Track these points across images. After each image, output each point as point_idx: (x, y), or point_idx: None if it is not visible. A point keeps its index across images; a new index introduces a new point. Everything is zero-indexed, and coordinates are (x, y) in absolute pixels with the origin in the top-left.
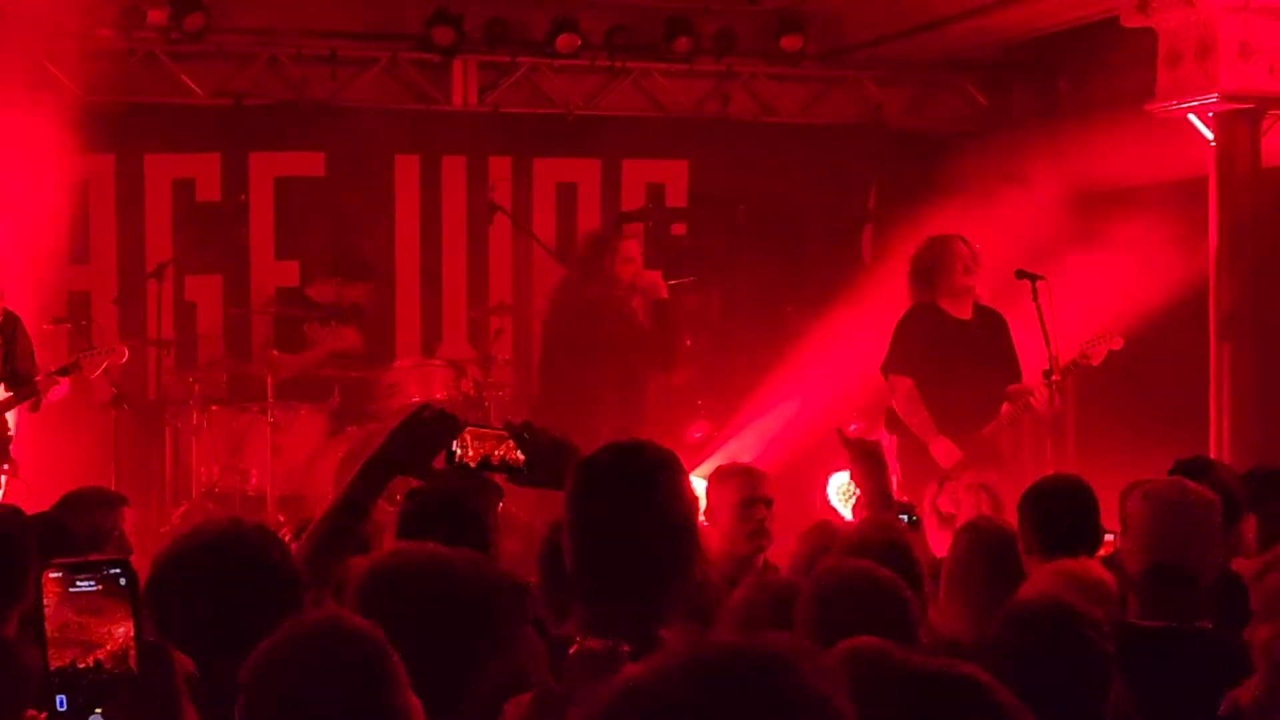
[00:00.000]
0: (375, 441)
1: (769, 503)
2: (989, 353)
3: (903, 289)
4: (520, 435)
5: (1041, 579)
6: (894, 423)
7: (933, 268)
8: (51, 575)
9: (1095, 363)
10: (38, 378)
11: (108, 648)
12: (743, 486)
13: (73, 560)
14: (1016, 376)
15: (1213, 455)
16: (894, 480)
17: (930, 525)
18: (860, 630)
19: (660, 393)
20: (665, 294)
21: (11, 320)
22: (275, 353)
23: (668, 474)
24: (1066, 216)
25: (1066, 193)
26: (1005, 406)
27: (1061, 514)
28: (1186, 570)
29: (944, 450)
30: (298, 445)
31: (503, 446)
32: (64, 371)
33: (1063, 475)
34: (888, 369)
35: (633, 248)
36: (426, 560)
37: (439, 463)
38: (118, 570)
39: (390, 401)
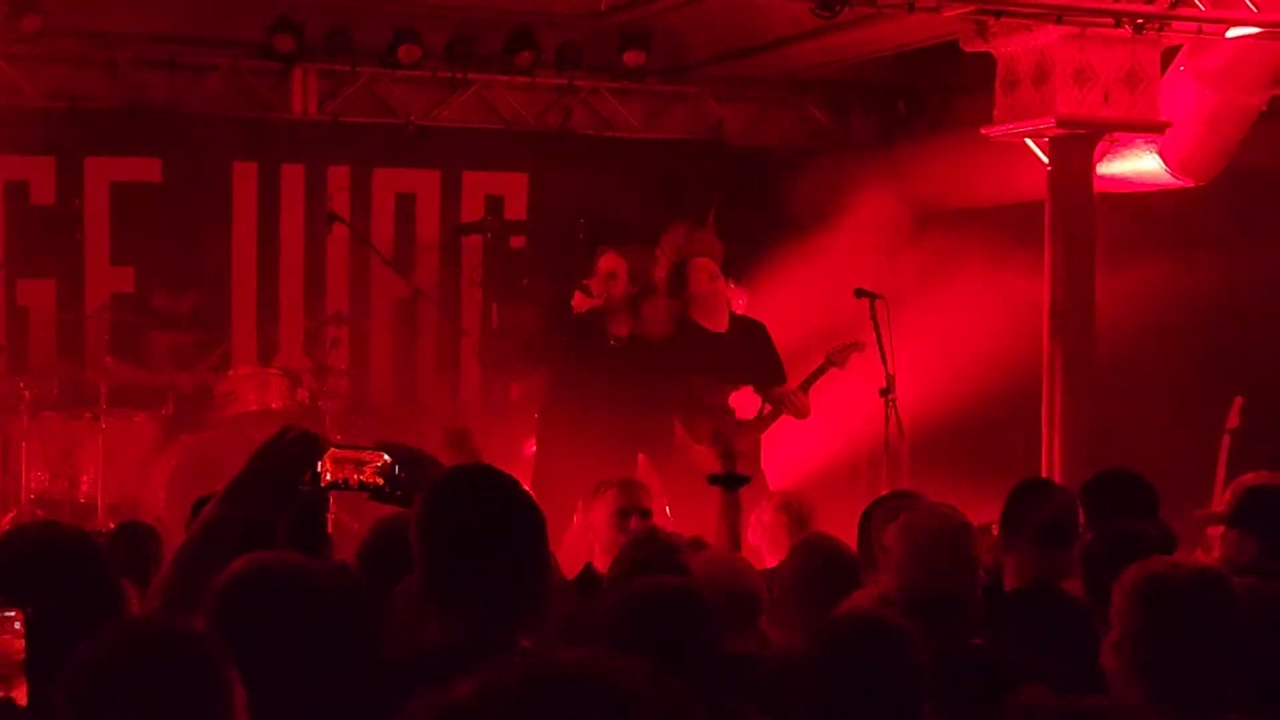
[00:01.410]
0: (213, 452)
1: (646, 513)
2: (745, 362)
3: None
4: (394, 452)
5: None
6: (719, 438)
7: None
8: None
9: (843, 367)
10: None
11: None
12: (619, 498)
13: None
14: (778, 379)
15: (1045, 475)
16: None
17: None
18: None
19: (497, 407)
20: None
21: None
22: (109, 359)
23: (520, 487)
24: (905, 237)
25: (905, 213)
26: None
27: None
28: (957, 597)
29: (703, 454)
30: (130, 453)
31: (364, 470)
32: None
33: (904, 493)
34: None
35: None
36: (286, 569)
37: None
38: (11, 614)
39: (226, 410)
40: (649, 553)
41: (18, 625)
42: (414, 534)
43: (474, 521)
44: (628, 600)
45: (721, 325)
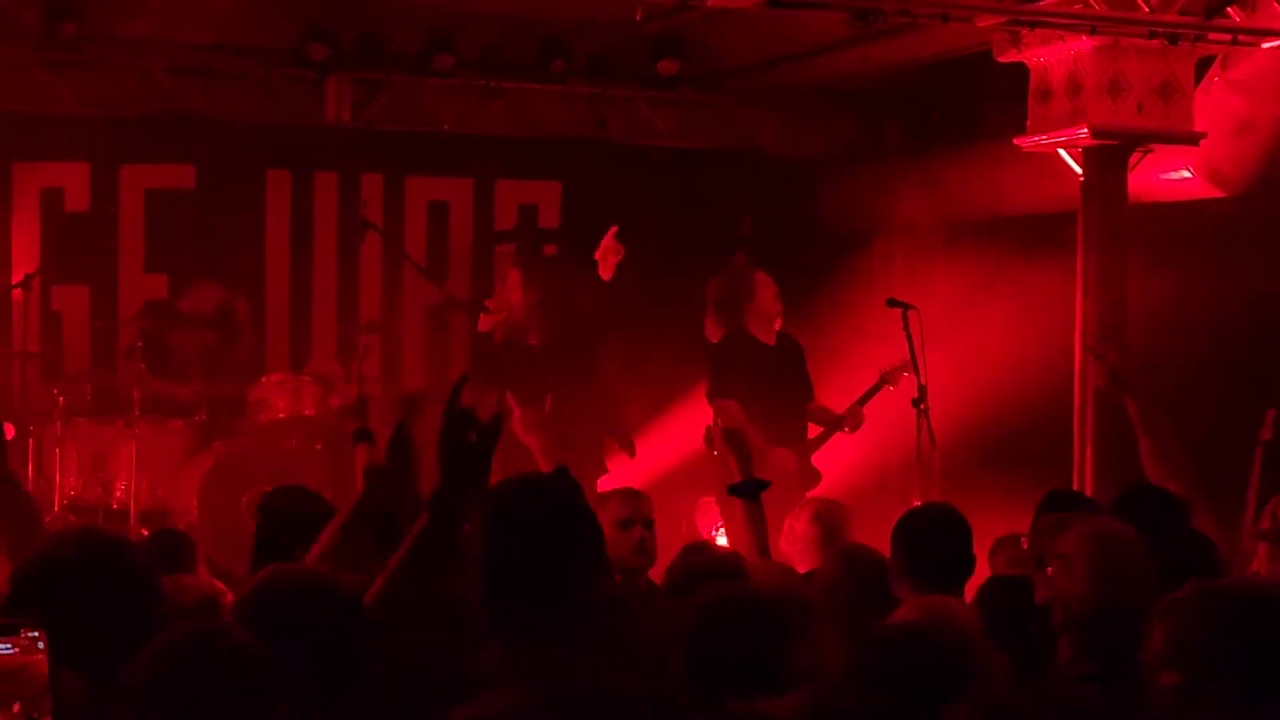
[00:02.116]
0: (245, 459)
1: (649, 523)
2: (791, 375)
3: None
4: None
5: (908, 613)
6: (732, 442)
7: (739, 297)
8: None
9: (895, 386)
10: None
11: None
12: (622, 507)
13: None
14: (811, 397)
15: (1076, 486)
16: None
17: (793, 548)
18: None
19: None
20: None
21: None
22: (142, 365)
23: (582, 499)
24: (938, 246)
25: (937, 223)
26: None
27: (934, 544)
28: (1131, 610)
29: (781, 458)
30: (163, 459)
31: None
32: None
33: (935, 505)
34: (712, 395)
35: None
36: (308, 579)
37: None
38: (35, 635)
39: (258, 417)
40: (706, 562)
41: (41, 645)
42: (474, 548)
43: (538, 536)
44: (712, 609)
45: (771, 339)
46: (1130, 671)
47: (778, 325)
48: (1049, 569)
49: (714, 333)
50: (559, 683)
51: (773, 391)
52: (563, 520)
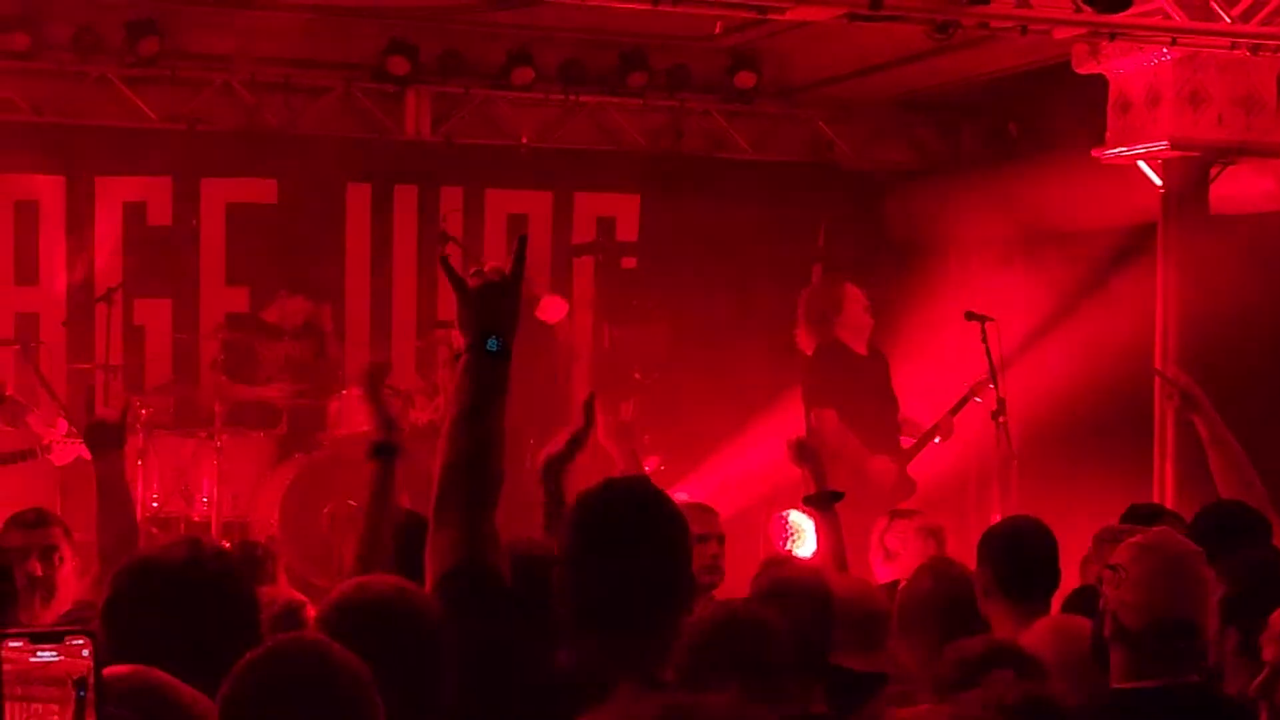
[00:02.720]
0: (326, 471)
1: (721, 539)
2: (884, 386)
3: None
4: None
5: (1041, 631)
6: (805, 454)
7: (829, 309)
8: (10, 645)
9: (982, 400)
10: None
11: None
12: (695, 523)
13: (35, 630)
14: (898, 408)
15: (1156, 499)
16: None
17: (875, 558)
18: None
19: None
20: None
21: None
22: (224, 378)
23: (671, 506)
24: (1015, 259)
25: (1014, 235)
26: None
27: (1023, 556)
28: (1193, 624)
29: (881, 467)
30: (244, 471)
31: None
32: (20, 457)
33: (1023, 517)
34: (809, 403)
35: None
36: (391, 593)
37: None
38: (80, 643)
39: (338, 429)
40: (789, 576)
41: (86, 653)
42: (563, 553)
43: (627, 541)
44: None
45: (863, 349)
46: (1183, 683)
47: (868, 336)
48: (1101, 580)
49: (807, 343)
50: (670, 700)
51: (868, 401)
52: (663, 525)
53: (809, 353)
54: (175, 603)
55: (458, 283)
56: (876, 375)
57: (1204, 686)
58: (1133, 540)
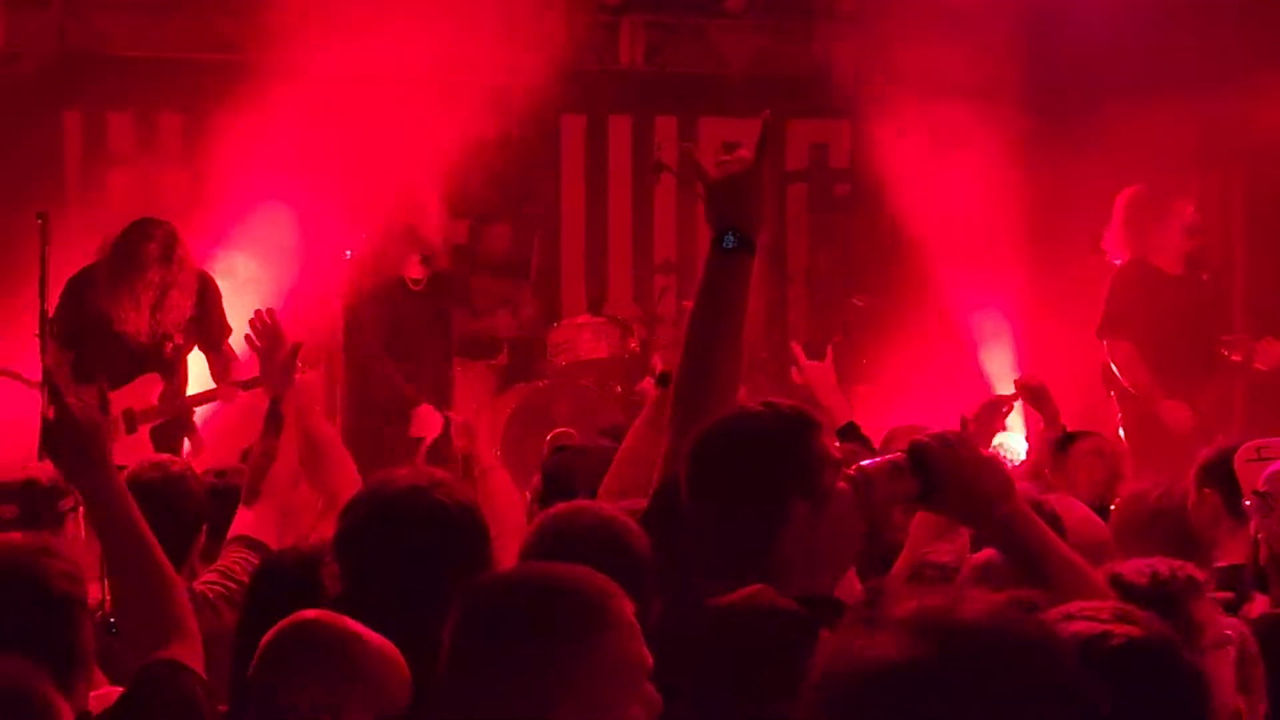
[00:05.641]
0: (546, 401)
1: None
2: (1202, 309)
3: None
4: None
5: None
6: (1113, 385)
7: (1150, 222)
8: None
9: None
10: (219, 386)
11: None
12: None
13: None
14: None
15: None
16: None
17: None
18: None
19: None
20: None
21: (203, 282)
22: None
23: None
24: None
25: None
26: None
27: None
28: None
29: (1174, 413)
30: (465, 401)
31: None
32: (249, 385)
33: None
34: (1104, 333)
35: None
36: (598, 520)
37: None
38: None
39: (558, 359)
40: None
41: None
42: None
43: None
44: None
45: (1178, 269)
46: None
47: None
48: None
49: (1118, 250)
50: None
51: (1176, 331)
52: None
53: (1117, 261)
54: (407, 532)
55: (702, 175)
56: (1190, 299)
57: None
58: (1277, 468)
